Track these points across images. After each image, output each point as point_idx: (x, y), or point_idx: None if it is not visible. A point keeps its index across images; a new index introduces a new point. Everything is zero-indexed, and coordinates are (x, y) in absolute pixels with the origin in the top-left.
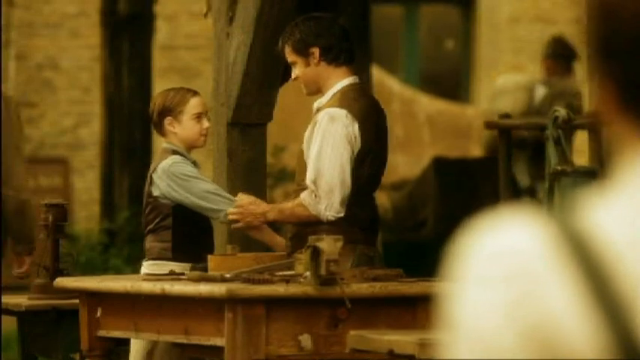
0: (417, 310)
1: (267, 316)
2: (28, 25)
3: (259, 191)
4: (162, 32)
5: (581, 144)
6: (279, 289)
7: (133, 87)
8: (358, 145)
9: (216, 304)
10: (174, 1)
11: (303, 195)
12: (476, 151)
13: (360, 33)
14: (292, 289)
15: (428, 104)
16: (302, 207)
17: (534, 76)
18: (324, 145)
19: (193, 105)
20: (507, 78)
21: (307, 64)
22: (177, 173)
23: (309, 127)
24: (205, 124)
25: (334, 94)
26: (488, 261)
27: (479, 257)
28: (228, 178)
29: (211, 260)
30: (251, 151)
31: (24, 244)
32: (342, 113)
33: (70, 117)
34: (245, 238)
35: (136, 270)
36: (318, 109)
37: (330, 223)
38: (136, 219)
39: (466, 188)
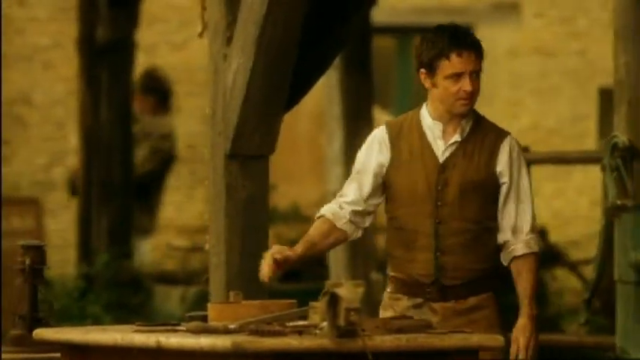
0: None
1: None
2: None
3: (261, 232)
4: (139, 64)
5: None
6: (292, 342)
7: (113, 120)
8: None
9: (220, 359)
10: (152, 32)
11: (528, 248)
12: None
13: (362, 65)
14: (307, 342)
15: None
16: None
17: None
18: (530, 184)
19: None
20: None
21: None
22: None
23: (493, 152)
24: None
25: (479, 120)
26: None
27: None
28: (225, 216)
29: (211, 309)
30: (252, 186)
31: None
32: None
33: (43, 155)
34: (248, 283)
35: (116, 318)
36: (462, 133)
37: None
38: (116, 262)
39: None
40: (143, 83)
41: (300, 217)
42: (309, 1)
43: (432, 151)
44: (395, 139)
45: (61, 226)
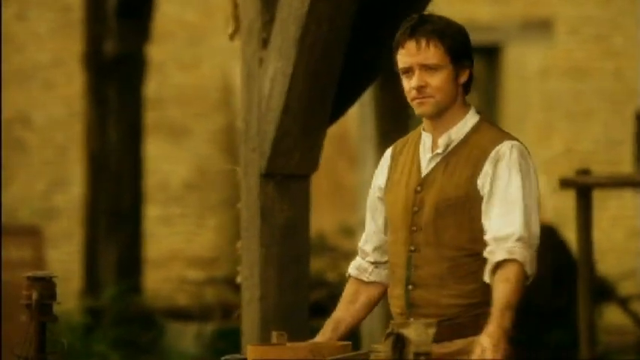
0: None
1: None
2: None
3: (301, 261)
4: (148, 83)
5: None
6: None
7: (122, 142)
8: None
9: None
10: (160, 49)
11: (509, 254)
12: None
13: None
14: None
15: None
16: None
17: None
18: (526, 190)
19: None
20: None
21: (449, 80)
22: None
23: (471, 166)
24: None
25: (479, 128)
26: None
27: None
28: (260, 244)
29: (252, 351)
30: (291, 210)
31: None
32: (526, 151)
33: (44, 180)
34: (285, 321)
35: (125, 357)
36: (448, 145)
37: None
38: (124, 296)
39: None
40: None
41: (326, 247)
42: None
43: (418, 168)
44: (396, 157)
45: (62, 257)
